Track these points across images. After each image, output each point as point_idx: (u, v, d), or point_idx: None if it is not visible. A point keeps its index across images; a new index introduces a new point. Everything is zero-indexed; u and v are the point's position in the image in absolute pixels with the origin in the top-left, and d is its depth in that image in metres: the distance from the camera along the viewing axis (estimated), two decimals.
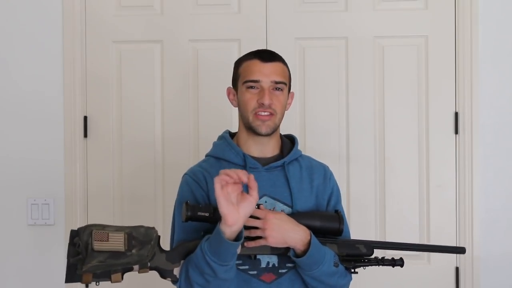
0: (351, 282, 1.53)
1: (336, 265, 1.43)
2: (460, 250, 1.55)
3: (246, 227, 1.38)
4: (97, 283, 1.36)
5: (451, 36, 2.28)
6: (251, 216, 1.38)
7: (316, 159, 1.65)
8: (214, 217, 1.37)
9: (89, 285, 2.30)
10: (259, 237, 1.40)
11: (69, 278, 1.36)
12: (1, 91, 2.34)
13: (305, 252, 1.40)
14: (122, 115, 2.34)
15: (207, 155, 1.62)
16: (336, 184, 1.61)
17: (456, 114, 2.28)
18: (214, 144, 1.62)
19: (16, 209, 2.32)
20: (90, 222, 2.28)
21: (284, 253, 1.44)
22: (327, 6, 2.32)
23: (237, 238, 1.34)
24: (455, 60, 2.28)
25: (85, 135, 2.33)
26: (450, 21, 2.29)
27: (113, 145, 2.33)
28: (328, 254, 1.43)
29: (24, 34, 2.33)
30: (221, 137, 1.61)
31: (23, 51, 2.33)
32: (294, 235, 1.39)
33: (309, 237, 1.40)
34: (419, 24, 2.30)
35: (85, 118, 2.33)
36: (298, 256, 1.41)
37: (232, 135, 1.62)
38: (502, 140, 2.27)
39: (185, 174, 1.58)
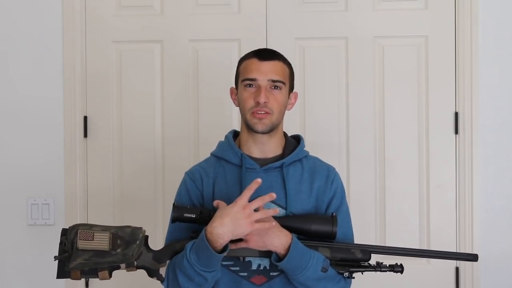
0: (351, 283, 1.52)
1: (324, 270, 1.41)
2: (472, 258, 1.49)
3: None
4: (87, 280, 1.41)
5: (451, 36, 2.28)
6: None
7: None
8: (201, 219, 1.41)
9: (89, 283, 2.31)
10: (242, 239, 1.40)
11: (60, 274, 1.44)
12: (1, 91, 2.34)
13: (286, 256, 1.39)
14: (122, 115, 2.34)
15: (210, 154, 1.63)
16: (341, 186, 1.59)
17: (456, 114, 2.28)
18: (218, 143, 1.63)
19: (16, 209, 2.32)
20: (90, 221, 2.30)
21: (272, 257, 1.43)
22: (327, 6, 2.32)
23: (224, 246, 1.37)
24: (455, 60, 2.28)
25: (85, 135, 2.33)
26: (450, 21, 2.29)
27: (113, 145, 2.34)
28: (314, 259, 1.41)
29: (24, 34, 2.33)
30: (225, 137, 1.62)
31: (23, 51, 2.33)
32: (274, 239, 1.39)
33: (290, 242, 1.39)
34: (419, 24, 2.30)
35: (85, 118, 2.33)
36: (281, 260, 1.40)
37: (238, 135, 1.62)
38: (502, 140, 2.27)
39: (185, 173, 1.60)
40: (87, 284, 2.31)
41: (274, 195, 1.38)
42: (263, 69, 1.50)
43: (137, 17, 2.35)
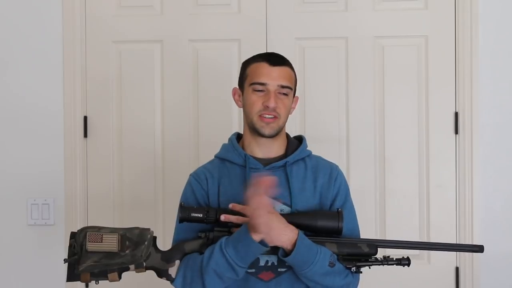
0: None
1: (331, 265, 1.42)
2: (478, 249, 1.49)
3: (236, 225, 1.43)
4: (97, 282, 1.43)
5: (451, 36, 2.28)
6: (241, 214, 1.42)
7: None
8: (208, 218, 1.43)
9: (89, 284, 2.31)
10: None
11: (70, 277, 1.45)
12: (1, 91, 2.34)
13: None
14: (122, 115, 2.34)
15: (214, 156, 1.64)
16: (344, 183, 1.60)
17: (456, 114, 2.28)
18: (222, 145, 1.65)
19: (16, 209, 2.32)
20: (90, 222, 2.31)
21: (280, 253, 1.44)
22: (327, 6, 2.32)
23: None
24: (455, 60, 2.28)
25: (85, 135, 2.33)
26: (450, 21, 2.29)
27: (113, 145, 2.34)
28: (321, 254, 1.42)
29: (24, 35, 2.33)
30: (228, 139, 1.64)
31: (23, 52, 2.33)
32: (280, 235, 1.39)
33: (296, 237, 1.40)
34: (419, 24, 2.30)
35: (85, 118, 2.33)
36: (288, 255, 1.41)
37: (241, 137, 1.64)
38: (502, 140, 2.27)
39: (190, 174, 1.62)
40: (87, 285, 2.32)
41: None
42: (273, 74, 1.51)
43: (137, 17, 2.35)
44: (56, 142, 2.31)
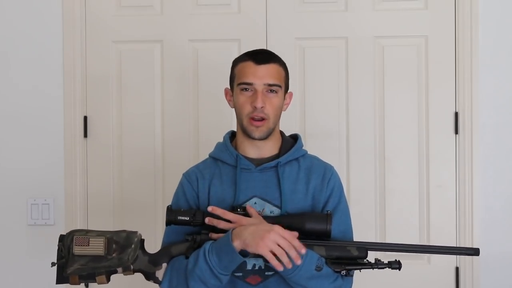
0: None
1: (318, 269, 1.39)
2: (474, 252, 1.44)
3: (221, 231, 1.41)
4: (86, 285, 1.44)
5: (451, 36, 2.28)
6: (226, 220, 1.42)
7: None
8: (194, 221, 1.43)
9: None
10: None
11: (59, 280, 1.47)
12: (1, 91, 2.34)
13: None
14: (122, 115, 2.34)
15: (208, 155, 1.64)
16: (338, 184, 1.57)
17: (456, 114, 2.28)
18: (216, 144, 1.64)
19: (16, 209, 2.32)
20: (90, 222, 2.31)
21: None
22: (327, 6, 2.32)
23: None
24: (455, 60, 2.28)
25: (85, 135, 2.33)
26: (450, 21, 2.29)
27: (113, 145, 2.34)
28: (307, 258, 1.39)
29: (24, 34, 2.33)
30: (223, 138, 1.63)
31: (23, 51, 2.33)
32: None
33: None
34: (419, 24, 2.30)
35: (85, 118, 2.33)
36: None
37: (236, 135, 1.62)
38: (502, 140, 2.27)
39: (183, 174, 1.61)
40: (87, 285, 2.32)
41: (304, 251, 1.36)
42: (259, 73, 1.49)
43: (137, 17, 2.35)
44: (56, 142, 2.31)
